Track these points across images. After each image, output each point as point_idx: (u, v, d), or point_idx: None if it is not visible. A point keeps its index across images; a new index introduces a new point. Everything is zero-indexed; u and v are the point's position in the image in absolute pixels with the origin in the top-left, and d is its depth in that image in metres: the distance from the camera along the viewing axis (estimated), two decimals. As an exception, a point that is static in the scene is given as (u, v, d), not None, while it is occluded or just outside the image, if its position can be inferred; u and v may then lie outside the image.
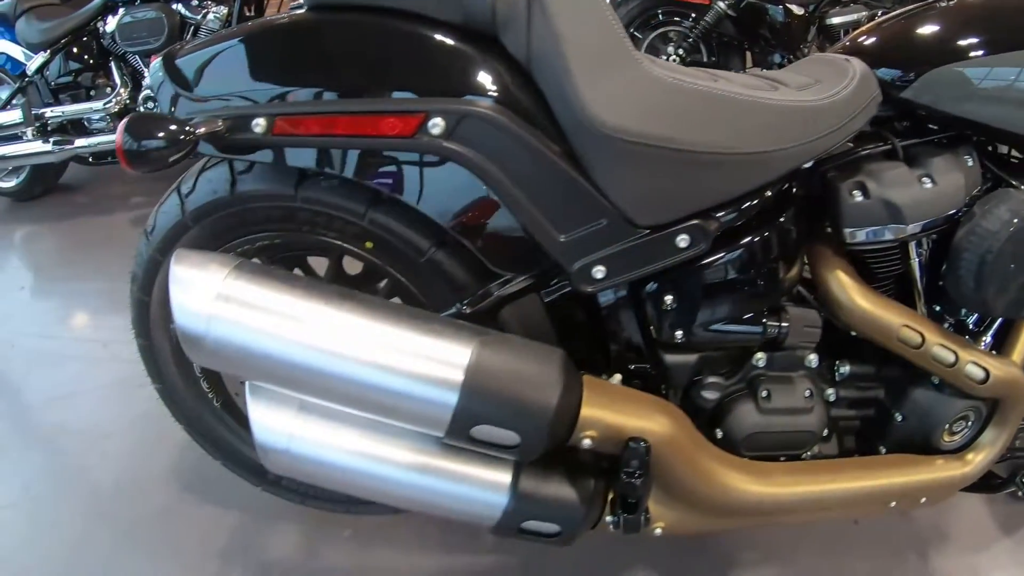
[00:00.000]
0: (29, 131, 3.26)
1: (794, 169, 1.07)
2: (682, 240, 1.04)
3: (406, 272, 1.16)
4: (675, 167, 0.99)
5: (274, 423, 1.03)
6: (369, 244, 1.14)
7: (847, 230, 1.12)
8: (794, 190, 1.16)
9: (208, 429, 1.49)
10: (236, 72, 1.03)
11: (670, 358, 1.15)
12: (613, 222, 1.01)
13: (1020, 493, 1.45)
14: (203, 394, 1.45)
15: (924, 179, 1.11)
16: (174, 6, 3.14)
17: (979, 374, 1.19)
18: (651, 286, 1.09)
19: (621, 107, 0.95)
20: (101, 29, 3.25)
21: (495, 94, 0.97)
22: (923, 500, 1.28)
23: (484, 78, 0.97)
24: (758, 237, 1.08)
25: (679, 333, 1.11)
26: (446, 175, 1.02)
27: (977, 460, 1.28)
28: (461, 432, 0.96)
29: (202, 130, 0.97)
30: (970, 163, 1.14)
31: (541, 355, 0.98)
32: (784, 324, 1.15)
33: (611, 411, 1.03)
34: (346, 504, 1.52)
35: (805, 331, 1.15)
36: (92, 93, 3.35)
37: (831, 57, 1.21)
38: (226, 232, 1.21)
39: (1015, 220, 1.08)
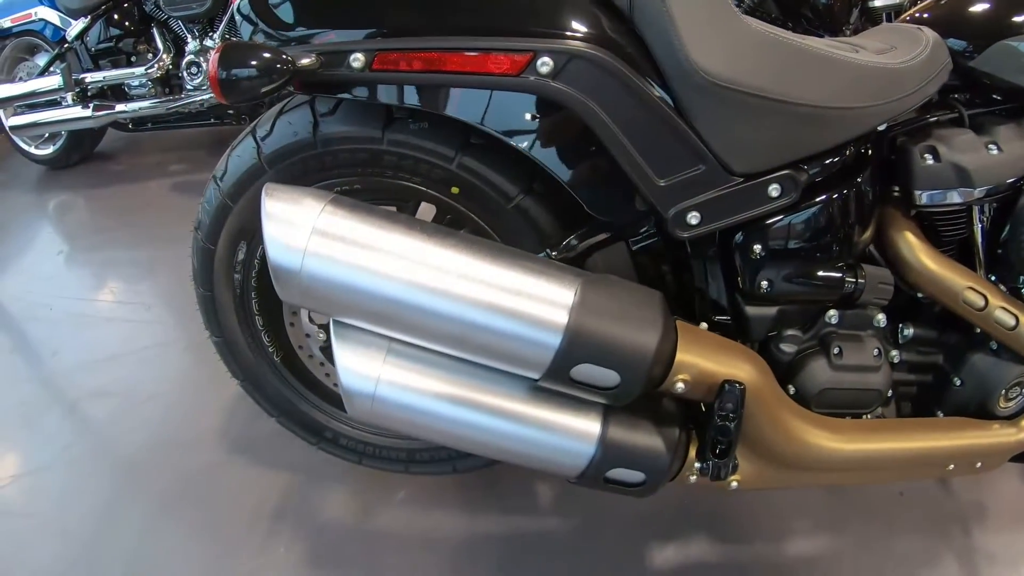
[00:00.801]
0: (69, 96, 3.26)
1: (874, 128, 1.10)
2: (774, 189, 1.05)
3: (491, 219, 1.14)
4: (771, 117, 1.00)
5: (361, 366, 1.01)
6: (455, 189, 1.11)
7: (917, 192, 1.17)
8: (870, 151, 1.18)
9: (266, 384, 1.47)
10: (330, 7, 1.01)
11: (751, 310, 1.16)
12: (711, 168, 1.02)
13: None
14: (264, 348, 1.43)
15: (990, 146, 1.15)
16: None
17: None
18: (740, 235, 1.11)
19: (723, 57, 0.96)
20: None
21: (601, 39, 0.95)
22: (979, 465, 1.30)
23: (590, 23, 0.96)
24: (840, 193, 1.11)
25: (764, 284, 1.13)
26: (550, 115, 1.01)
27: None
28: (561, 373, 0.95)
29: (302, 61, 0.96)
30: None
31: (643, 297, 0.99)
32: (861, 280, 1.16)
33: (704, 356, 1.03)
34: (404, 463, 1.50)
35: (879, 288, 1.17)
36: (133, 59, 3.34)
37: (903, 26, 1.24)
38: (303, 176, 1.18)
39: None
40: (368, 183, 1.17)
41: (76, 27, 3.31)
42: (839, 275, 1.15)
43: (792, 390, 1.21)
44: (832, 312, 1.19)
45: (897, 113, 1.10)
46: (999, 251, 1.23)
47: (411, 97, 1.02)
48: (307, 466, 1.66)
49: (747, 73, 0.97)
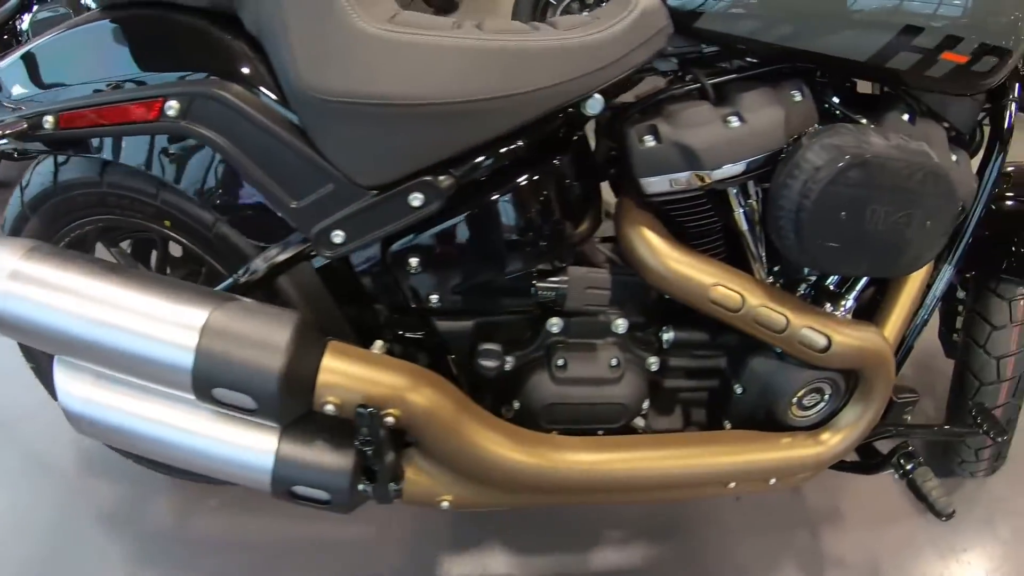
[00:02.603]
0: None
1: (549, 115, 1.00)
2: (415, 199, 1.02)
3: (202, 247, 1.23)
4: (386, 123, 0.97)
5: (73, 388, 1.11)
6: (167, 222, 1.22)
7: (642, 180, 1.06)
8: (575, 137, 1.10)
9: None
10: (37, 75, 1.14)
11: (443, 324, 1.13)
12: (340, 185, 1.02)
13: (896, 475, 1.32)
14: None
15: (731, 118, 1.02)
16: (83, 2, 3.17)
17: (819, 342, 1.12)
18: (395, 247, 1.09)
19: (327, 68, 0.95)
20: (18, 27, 3.33)
21: (229, 71, 1.03)
22: (771, 481, 1.21)
23: (221, 57, 1.04)
24: (508, 192, 1.05)
25: (433, 297, 1.10)
26: (197, 153, 1.10)
27: (834, 440, 1.22)
28: (204, 394, 0.99)
29: (8, 131, 1.09)
30: (798, 98, 1.05)
31: (272, 318, 0.99)
32: (560, 286, 1.10)
33: (352, 378, 1.01)
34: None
35: (587, 294, 1.10)
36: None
37: None
38: (57, 220, 1.31)
39: (843, 156, 0.97)
40: (111, 223, 1.29)
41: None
42: (522, 283, 1.10)
43: (517, 406, 1.17)
44: (554, 320, 1.13)
45: (572, 96, 0.99)
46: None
47: (106, 149, 1.14)
48: (135, 475, 1.74)
49: (351, 81, 0.95)
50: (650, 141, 1.03)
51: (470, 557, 1.50)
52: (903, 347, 1.30)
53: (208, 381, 0.98)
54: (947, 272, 1.28)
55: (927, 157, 1.01)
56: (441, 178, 1.02)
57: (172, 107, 1.02)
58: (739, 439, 1.19)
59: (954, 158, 1.13)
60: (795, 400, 1.19)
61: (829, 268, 1.11)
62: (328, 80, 0.96)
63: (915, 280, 1.26)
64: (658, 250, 1.08)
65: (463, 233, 1.08)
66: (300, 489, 1.07)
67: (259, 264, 1.15)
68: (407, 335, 1.17)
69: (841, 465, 1.32)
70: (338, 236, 1.06)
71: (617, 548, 1.48)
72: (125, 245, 1.43)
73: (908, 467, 1.30)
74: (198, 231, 1.20)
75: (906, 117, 1.11)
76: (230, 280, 1.17)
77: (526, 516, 1.54)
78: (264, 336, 0.97)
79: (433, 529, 1.55)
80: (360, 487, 1.09)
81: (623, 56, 0.99)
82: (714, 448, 1.16)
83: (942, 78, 1.03)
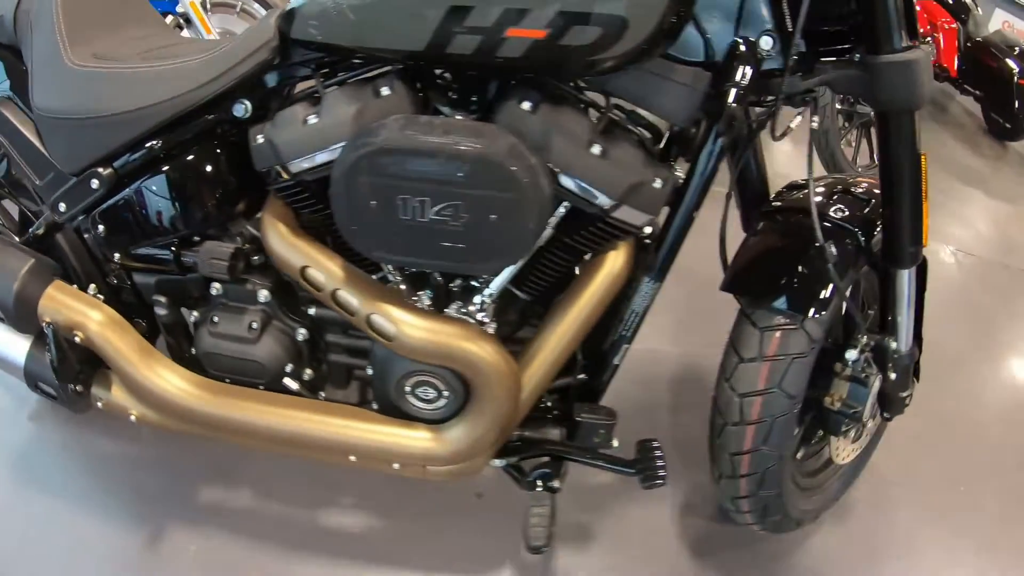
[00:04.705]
0: None
1: (192, 117, 1.21)
2: (93, 183, 1.29)
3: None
4: (78, 129, 1.26)
5: None
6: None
7: (259, 171, 1.20)
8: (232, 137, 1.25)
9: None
10: None
11: (138, 277, 1.39)
12: (56, 172, 1.32)
13: (531, 493, 1.35)
14: None
15: (310, 117, 1.13)
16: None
17: (387, 329, 1.18)
18: (91, 216, 1.33)
19: (46, 93, 1.28)
20: None
21: (16, 90, 1.36)
22: (395, 466, 1.28)
23: (11, 78, 1.36)
24: (155, 176, 1.26)
25: (116, 255, 1.36)
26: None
27: (446, 438, 1.25)
28: None
29: None
30: (385, 93, 1.11)
31: (16, 258, 1.34)
32: (192, 256, 1.29)
33: (60, 305, 1.32)
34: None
35: (210, 263, 1.24)
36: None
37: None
38: None
39: (361, 147, 1.04)
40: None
41: None
42: (170, 251, 1.31)
43: (193, 351, 1.36)
44: (217, 285, 1.31)
45: (204, 99, 1.17)
46: None
47: None
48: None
49: (67, 103, 1.25)
50: (260, 139, 1.17)
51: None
52: (605, 364, 1.32)
53: None
54: (648, 286, 1.26)
55: (475, 151, 1.01)
56: (106, 170, 1.28)
57: None
58: (359, 416, 1.29)
59: (597, 150, 1.09)
60: (407, 389, 1.25)
61: (384, 259, 1.16)
62: (47, 101, 1.28)
63: (592, 293, 1.22)
64: (271, 232, 1.22)
65: (125, 208, 1.31)
66: (43, 385, 1.36)
67: (40, 224, 1.43)
68: (115, 283, 1.42)
69: (514, 475, 1.38)
70: (61, 206, 1.34)
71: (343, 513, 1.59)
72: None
73: (540, 487, 1.34)
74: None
75: (527, 106, 1.08)
76: (28, 233, 1.44)
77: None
78: (10, 268, 1.32)
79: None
80: (44, 388, 1.36)
81: (231, 68, 1.16)
82: (335, 419, 1.28)
83: (531, 58, 1.00)
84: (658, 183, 1.14)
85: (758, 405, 1.29)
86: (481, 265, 1.14)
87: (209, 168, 1.24)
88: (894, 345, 1.40)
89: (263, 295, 1.29)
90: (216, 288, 1.31)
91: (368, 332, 1.21)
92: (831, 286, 1.26)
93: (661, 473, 1.35)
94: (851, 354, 1.37)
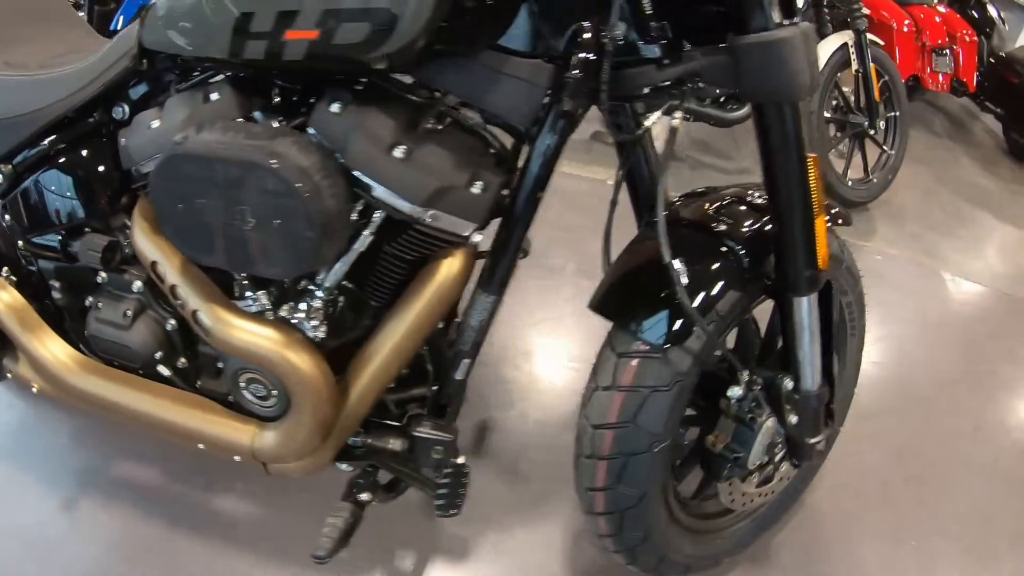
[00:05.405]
0: None
1: (68, 121, 1.26)
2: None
3: None
4: None
5: None
6: None
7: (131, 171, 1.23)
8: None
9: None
10: None
11: (40, 263, 1.39)
12: None
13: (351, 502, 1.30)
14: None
15: (154, 121, 1.16)
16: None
17: (206, 324, 1.19)
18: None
19: None
20: None
21: None
22: (236, 457, 1.30)
23: None
24: (44, 174, 1.30)
25: (20, 243, 1.38)
26: None
27: (270, 437, 1.24)
28: None
29: None
30: (214, 98, 1.11)
31: None
32: (73, 247, 1.31)
33: None
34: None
35: (87, 253, 1.27)
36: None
37: None
38: None
39: (184, 142, 1.05)
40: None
41: None
42: (59, 241, 1.33)
43: (85, 332, 1.37)
44: (103, 274, 1.32)
45: (75, 105, 1.23)
46: None
47: None
48: None
49: None
50: (123, 141, 1.21)
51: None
52: (446, 378, 1.25)
53: None
54: (484, 299, 1.17)
55: (254, 157, 1.00)
56: (6, 166, 1.33)
57: None
58: (203, 407, 1.32)
59: (401, 153, 1.04)
60: (242, 384, 1.25)
61: (195, 258, 1.17)
62: None
63: (422, 302, 1.15)
64: (136, 227, 1.23)
65: (22, 200, 1.33)
66: None
67: None
68: (25, 267, 1.42)
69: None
70: None
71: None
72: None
73: (355, 498, 1.29)
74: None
75: (336, 108, 1.05)
76: None
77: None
78: None
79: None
80: None
81: (99, 75, 1.21)
82: (183, 407, 1.32)
83: (314, 59, 0.99)
84: (476, 189, 1.07)
85: (610, 439, 1.16)
86: (272, 269, 1.11)
87: (89, 166, 1.28)
88: (789, 384, 1.24)
89: (137, 285, 1.31)
90: (102, 277, 1.34)
91: (194, 327, 1.22)
92: (712, 314, 1.12)
93: (458, 502, 1.26)
94: (734, 391, 1.22)
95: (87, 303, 1.36)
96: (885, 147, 3.22)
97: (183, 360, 1.34)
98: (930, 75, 3.96)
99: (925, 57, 3.94)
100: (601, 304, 1.18)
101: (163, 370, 1.32)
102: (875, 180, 3.19)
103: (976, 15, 4.25)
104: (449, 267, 1.14)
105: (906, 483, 1.85)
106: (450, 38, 0.97)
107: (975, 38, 4.06)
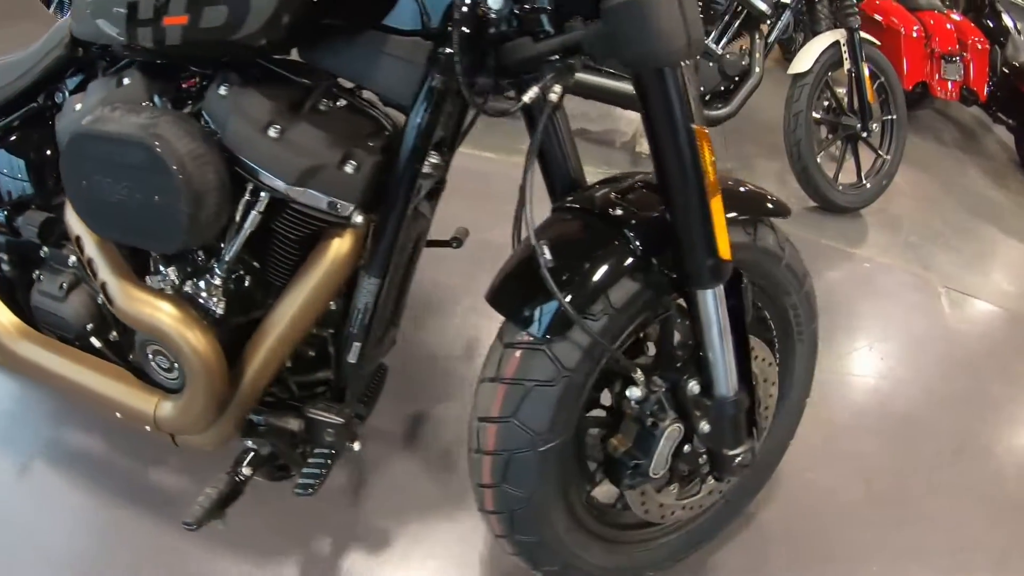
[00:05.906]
0: None
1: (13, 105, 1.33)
2: None
3: None
4: None
5: None
6: None
7: None
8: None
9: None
10: None
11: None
12: None
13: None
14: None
15: (77, 105, 1.21)
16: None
17: (112, 297, 1.22)
18: None
19: None
20: None
21: None
22: (147, 428, 1.32)
23: None
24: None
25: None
26: None
27: (167, 407, 1.26)
28: None
29: None
30: (126, 82, 1.17)
31: None
32: (19, 221, 1.35)
33: None
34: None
35: (26, 228, 1.33)
36: None
37: None
38: None
39: (81, 122, 1.10)
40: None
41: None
42: (5, 218, 1.38)
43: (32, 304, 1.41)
44: (46, 249, 1.36)
45: (17, 91, 1.31)
46: None
47: None
48: None
49: None
50: (57, 124, 1.25)
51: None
52: (339, 361, 1.24)
53: None
54: (368, 282, 1.15)
55: (134, 136, 1.05)
56: None
57: None
58: (117, 375, 1.34)
59: (275, 132, 1.07)
60: (148, 355, 1.28)
61: (96, 231, 1.20)
62: None
63: (310, 282, 1.15)
64: (68, 204, 1.25)
65: None
66: None
67: None
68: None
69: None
70: None
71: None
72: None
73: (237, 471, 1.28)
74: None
75: (223, 90, 1.10)
76: None
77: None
78: None
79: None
80: None
81: (33, 67, 1.28)
82: (99, 375, 1.34)
83: (189, 44, 1.04)
84: (349, 168, 1.08)
85: (492, 434, 1.10)
86: (155, 244, 1.16)
87: (32, 147, 1.37)
88: (695, 387, 1.15)
89: (72, 260, 1.35)
90: (44, 251, 1.38)
91: (103, 298, 1.25)
92: (599, 304, 1.03)
93: (315, 483, 1.26)
94: (633, 392, 1.13)
95: (34, 276, 1.40)
96: (880, 151, 3.10)
97: (114, 333, 1.38)
98: (938, 82, 3.84)
99: (933, 64, 3.82)
100: (494, 295, 1.11)
101: (95, 342, 1.36)
102: (868, 185, 3.06)
103: (991, 24, 4.12)
104: (337, 247, 1.14)
105: (879, 505, 1.73)
106: (325, 11, 1.00)
107: (987, 46, 3.92)
